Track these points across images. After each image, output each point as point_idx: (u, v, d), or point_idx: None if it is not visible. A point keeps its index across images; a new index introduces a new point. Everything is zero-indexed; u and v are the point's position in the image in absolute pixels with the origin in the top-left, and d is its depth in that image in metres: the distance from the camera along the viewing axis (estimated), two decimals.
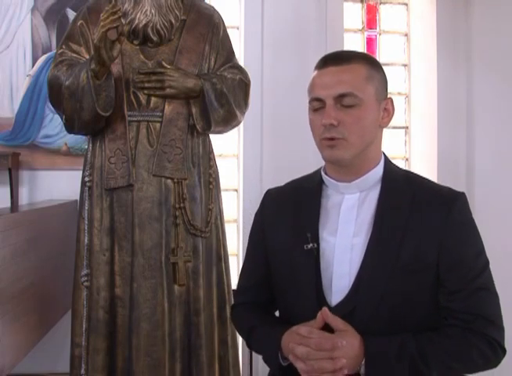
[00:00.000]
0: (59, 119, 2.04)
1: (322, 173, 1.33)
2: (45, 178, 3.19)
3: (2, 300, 1.80)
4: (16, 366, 1.96)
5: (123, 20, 1.86)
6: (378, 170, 1.28)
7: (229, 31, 2.17)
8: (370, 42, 3.70)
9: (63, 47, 2.00)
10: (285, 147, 3.26)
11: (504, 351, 1.21)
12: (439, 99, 3.50)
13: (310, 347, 1.14)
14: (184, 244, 1.92)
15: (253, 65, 3.14)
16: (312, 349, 1.14)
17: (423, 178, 1.31)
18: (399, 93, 3.69)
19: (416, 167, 3.59)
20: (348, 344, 1.14)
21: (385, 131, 1.35)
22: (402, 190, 1.25)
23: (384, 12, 3.73)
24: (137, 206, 1.88)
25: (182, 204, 1.91)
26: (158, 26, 1.94)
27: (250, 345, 1.40)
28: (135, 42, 1.97)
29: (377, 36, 3.70)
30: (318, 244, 1.26)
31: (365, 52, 3.58)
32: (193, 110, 1.95)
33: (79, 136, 2.86)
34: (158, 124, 1.92)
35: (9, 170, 3.03)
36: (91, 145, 2.00)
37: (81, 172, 2.02)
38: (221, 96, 1.97)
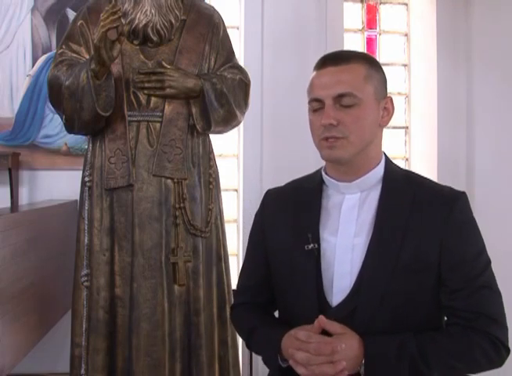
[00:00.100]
0: (59, 119, 2.04)
1: (323, 173, 1.33)
2: (45, 178, 3.19)
3: (2, 300, 1.80)
4: (16, 367, 1.96)
5: (123, 20, 1.86)
6: (379, 170, 1.28)
7: (229, 31, 2.16)
8: (370, 42, 3.70)
9: (63, 47, 2.00)
10: (285, 147, 3.26)
11: (508, 350, 1.20)
12: (439, 99, 3.50)
13: (309, 352, 1.14)
14: (184, 244, 1.92)
15: (253, 65, 3.14)
16: (312, 355, 1.13)
17: (424, 178, 1.31)
18: (399, 93, 3.69)
19: (416, 167, 3.59)
20: (348, 346, 1.14)
21: (385, 131, 1.35)
22: (402, 190, 1.25)
23: (384, 12, 3.73)
24: (137, 206, 1.88)
25: (182, 204, 1.91)
26: (158, 26, 1.94)
27: (250, 345, 1.40)
28: (135, 42, 1.97)
29: (377, 36, 3.70)
30: (319, 245, 1.26)
31: (365, 52, 3.58)
32: (193, 110, 1.95)
33: (79, 136, 2.86)
34: (158, 124, 1.92)
35: (9, 170, 3.03)
36: (91, 145, 2.00)
37: (81, 172, 2.02)
38: (221, 96, 1.97)
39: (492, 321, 1.18)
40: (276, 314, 1.43)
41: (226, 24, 2.15)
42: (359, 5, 3.69)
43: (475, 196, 3.29)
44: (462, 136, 3.51)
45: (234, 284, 1.66)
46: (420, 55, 3.65)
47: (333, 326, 1.17)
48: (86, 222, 1.94)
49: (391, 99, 1.29)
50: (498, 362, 1.20)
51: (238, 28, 3.43)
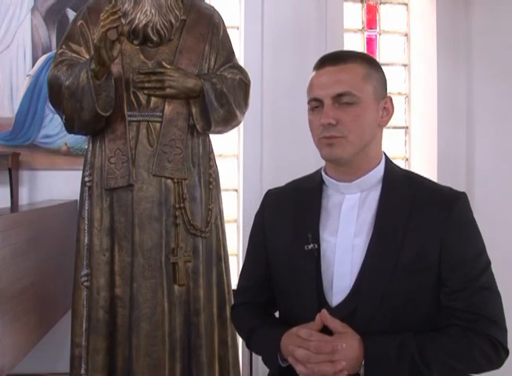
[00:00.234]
0: (59, 119, 2.04)
1: (323, 173, 1.33)
2: (45, 178, 3.19)
3: (2, 300, 1.80)
4: (16, 366, 1.96)
5: (123, 20, 1.86)
6: (379, 170, 1.28)
7: (229, 31, 2.17)
8: (370, 42, 3.69)
9: (63, 47, 2.00)
10: (285, 147, 3.25)
11: (507, 352, 1.21)
12: (439, 99, 3.50)
13: (310, 350, 1.14)
14: (184, 244, 1.92)
15: (253, 65, 3.14)
16: (312, 352, 1.13)
17: (424, 178, 1.31)
18: (399, 93, 3.69)
19: (416, 167, 3.59)
20: (348, 346, 1.14)
21: (385, 131, 1.35)
22: (402, 190, 1.25)
23: (384, 12, 3.72)
24: (137, 206, 1.88)
25: (182, 204, 1.91)
26: (158, 26, 1.95)
27: (250, 345, 1.40)
28: (135, 42, 1.97)
29: (377, 36, 3.70)
30: (318, 245, 1.26)
31: (365, 52, 3.58)
32: (193, 110, 1.95)
33: (79, 136, 2.86)
34: (158, 124, 1.92)
35: (9, 170, 3.03)
36: (91, 145, 2.00)
37: (81, 172, 2.02)
38: (221, 96, 1.97)
39: (492, 323, 1.19)
40: (277, 314, 1.43)
41: (226, 24, 2.15)
42: (359, 5, 3.69)
43: (475, 196, 3.28)
44: (462, 136, 3.51)
45: (234, 284, 1.66)
46: (420, 55, 3.65)
47: (335, 323, 1.17)
48: (86, 222, 1.94)
49: (391, 99, 1.29)
50: (497, 363, 1.20)
51: (238, 28, 3.43)
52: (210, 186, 2.02)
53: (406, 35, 3.72)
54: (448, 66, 3.49)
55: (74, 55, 1.97)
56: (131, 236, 1.88)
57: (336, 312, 1.20)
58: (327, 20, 3.36)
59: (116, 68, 1.90)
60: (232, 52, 2.12)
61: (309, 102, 1.27)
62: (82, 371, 1.90)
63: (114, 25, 1.74)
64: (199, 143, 2.01)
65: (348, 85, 1.21)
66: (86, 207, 1.95)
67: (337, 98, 1.21)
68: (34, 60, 3.21)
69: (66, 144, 3.20)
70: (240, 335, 1.48)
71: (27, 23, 3.21)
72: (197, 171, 1.99)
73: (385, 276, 1.19)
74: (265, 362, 1.32)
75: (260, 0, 3.32)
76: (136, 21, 1.94)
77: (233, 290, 1.77)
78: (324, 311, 1.17)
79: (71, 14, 3.17)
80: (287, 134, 3.24)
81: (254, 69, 2.95)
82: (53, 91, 1.95)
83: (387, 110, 1.28)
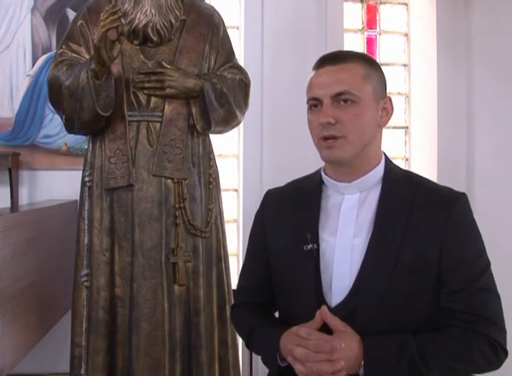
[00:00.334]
0: (59, 119, 2.04)
1: (322, 173, 1.33)
2: (45, 178, 3.19)
3: (2, 300, 1.80)
4: (16, 366, 1.96)
5: (123, 20, 1.86)
6: (379, 170, 1.28)
7: (229, 31, 2.17)
8: (370, 42, 3.70)
9: (63, 47, 2.00)
10: (285, 147, 3.26)
11: (506, 353, 1.20)
12: (439, 99, 3.50)
13: (309, 349, 1.14)
14: (184, 244, 1.92)
15: (253, 65, 3.14)
16: (311, 351, 1.13)
17: (424, 179, 1.31)
18: (399, 93, 3.69)
19: (416, 167, 3.59)
20: (347, 345, 1.14)
21: (385, 131, 1.35)
22: (402, 190, 1.25)
23: (384, 12, 3.72)
24: (137, 206, 1.88)
25: (182, 204, 1.91)
26: (158, 26, 1.95)
27: (250, 345, 1.40)
28: (135, 42, 1.97)
29: (377, 36, 3.70)
30: (318, 245, 1.26)
31: (365, 52, 3.58)
32: (193, 110, 1.95)
33: (79, 136, 2.86)
34: (158, 124, 1.92)
35: (9, 170, 3.03)
36: (91, 145, 2.00)
37: (81, 172, 2.02)
38: (221, 96, 1.97)
39: (492, 324, 1.18)
40: (277, 314, 1.43)
41: (226, 24, 2.15)
42: (359, 5, 3.69)
43: (475, 196, 3.28)
44: (462, 136, 3.51)
45: (234, 284, 1.66)
46: (420, 55, 3.65)
47: (335, 321, 1.17)
48: (86, 222, 1.94)
49: (390, 100, 1.29)
50: (496, 364, 1.20)
51: (238, 28, 3.43)
52: (210, 186, 2.02)
53: (406, 35, 3.73)
54: (448, 66, 3.49)
55: (74, 55, 1.97)
56: (131, 236, 1.88)
57: (335, 312, 1.20)
58: (327, 20, 3.36)
59: (116, 68, 1.90)
60: (232, 52, 2.12)
61: (308, 101, 1.27)
62: (82, 371, 1.90)
63: (114, 25, 1.74)
64: (199, 143, 2.01)
65: (348, 85, 1.21)
66: (86, 207, 1.95)
67: (336, 97, 1.21)
68: (34, 60, 3.21)
69: (66, 144, 3.21)
70: (240, 335, 1.48)
71: (27, 23, 3.21)
72: (197, 171, 1.99)
73: (385, 276, 1.19)
74: (265, 362, 1.32)
75: (260, 0, 3.32)
76: (136, 21, 1.94)
77: (233, 290, 1.77)
78: (324, 307, 1.17)
79: (71, 14, 3.17)
80: (287, 134, 3.24)
81: (254, 69, 2.95)
82: (53, 91, 1.95)
83: (387, 110, 1.28)
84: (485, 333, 1.17)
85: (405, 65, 3.72)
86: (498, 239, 2.66)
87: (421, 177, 1.32)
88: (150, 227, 1.88)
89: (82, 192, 1.99)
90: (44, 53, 3.22)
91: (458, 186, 1.30)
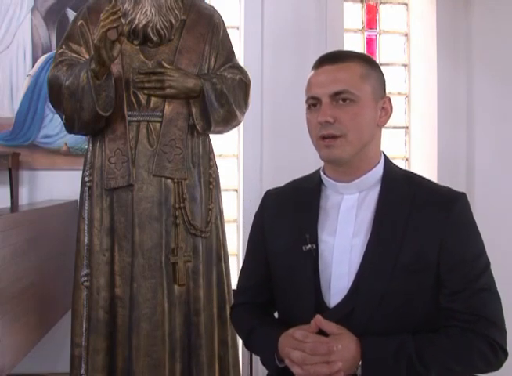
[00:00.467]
0: (59, 119, 2.04)
1: (321, 173, 1.33)
2: (45, 178, 3.19)
3: (2, 300, 1.80)
4: (16, 366, 1.96)
5: (123, 20, 1.86)
6: (378, 170, 1.28)
7: (229, 31, 2.17)
8: (370, 42, 3.69)
9: (63, 47, 2.00)
10: (285, 147, 3.25)
11: (506, 353, 1.20)
12: (439, 99, 3.50)
13: (305, 352, 1.13)
14: (184, 244, 1.92)
15: (253, 65, 3.14)
16: (308, 354, 1.13)
17: (423, 178, 1.31)
18: (399, 93, 3.69)
19: (416, 167, 3.59)
20: (344, 347, 1.13)
21: (385, 131, 1.35)
22: (401, 190, 1.25)
23: (384, 12, 3.72)
24: (137, 206, 1.88)
25: (182, 204, 1.91)
26: (158, 26, 1.95)
27: (249, 346, 1.40)
28: (135, 42, 1.97)
29: (377, 36, 3.70)
30: (316, 245, 1.26)
31: (365, 52, 3.58)
32: (193, 110, 1.95)
33: (79, 136, 2.86)
34: (158, 124, 1.92)
35: (9, 170, 3.03)
36: (91, 145, 2.00)
37: (81, 172, 2.02)
38: (221, 96, 1.97)
39: (491, 324, 1.18)
40: (276, 315, 1.43)
41: (226, 24, 2.15)
42: (359, 5, 3.69)
43: (475, 196, 3.28)
44: (462, 136, 3.50)
45: (234, 284, 1.66)
46: (420, 55, 3.64)
47: (330, 326, 1.17)
48: (86, 222, 1.95)
49: (390, 99, 1.29)
50: (496, 365, 1.20)
51: (238, 28, 3.43)
52: (210, 186, 2.02)
53: (406, 35, 3.72)
54: (448, 66, 3.49)
55: (74, 55, 1.98)
56: (131, 236, 1.88)
57: (334, 312, 1.20)
58: (327, 20, 3.36)
59: (116, 68, 1.90)
60: (232, 52, 2.12)
61: (307, 101, 1.27)
62: (82, 371, 1.90)
63: (114, 25, 1.74)
64: (199, 143, 2.01)
65: (346, 84, 1.21)
66: (86, 207, 1.96)
67: (335, 96, 1.21)
68: (34, 60, 3.21)
69: (66, 144, 3.20)
70: (239, 335, 1.48)
71: (27, 23, 3.21)
72: (197, 171, 1.99)
73: (384, 276, 1.19)
74: (263, 362, 1.32)
75: (260, 0, 3.32)
76: (136, 21, 1.94)
77: (233, 290, 1.77)
78: (318, 316, 1.17)
79: (71, 14, 3.17)
80: (287, 134, 3.24)
81: (254, 69, 2.95)
82: (53, 91, 1.95)
83: (386, 110, 1.28)
84: (485, 333, 1.17)
85: (405, 65, 3.72)
86: (498, 239, 2.66)
87: (421, 177, 1.32)
88: (150, 227, 1.88)
89: (82, 192, 1.99)
90: (44, 53, 3.21)
91: (458, 186, 1.30)
